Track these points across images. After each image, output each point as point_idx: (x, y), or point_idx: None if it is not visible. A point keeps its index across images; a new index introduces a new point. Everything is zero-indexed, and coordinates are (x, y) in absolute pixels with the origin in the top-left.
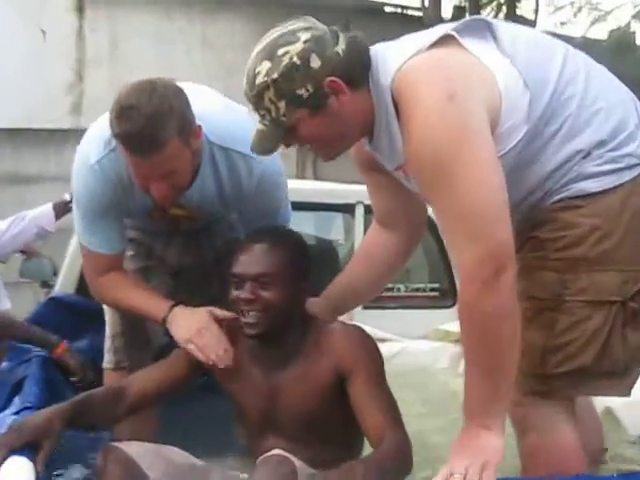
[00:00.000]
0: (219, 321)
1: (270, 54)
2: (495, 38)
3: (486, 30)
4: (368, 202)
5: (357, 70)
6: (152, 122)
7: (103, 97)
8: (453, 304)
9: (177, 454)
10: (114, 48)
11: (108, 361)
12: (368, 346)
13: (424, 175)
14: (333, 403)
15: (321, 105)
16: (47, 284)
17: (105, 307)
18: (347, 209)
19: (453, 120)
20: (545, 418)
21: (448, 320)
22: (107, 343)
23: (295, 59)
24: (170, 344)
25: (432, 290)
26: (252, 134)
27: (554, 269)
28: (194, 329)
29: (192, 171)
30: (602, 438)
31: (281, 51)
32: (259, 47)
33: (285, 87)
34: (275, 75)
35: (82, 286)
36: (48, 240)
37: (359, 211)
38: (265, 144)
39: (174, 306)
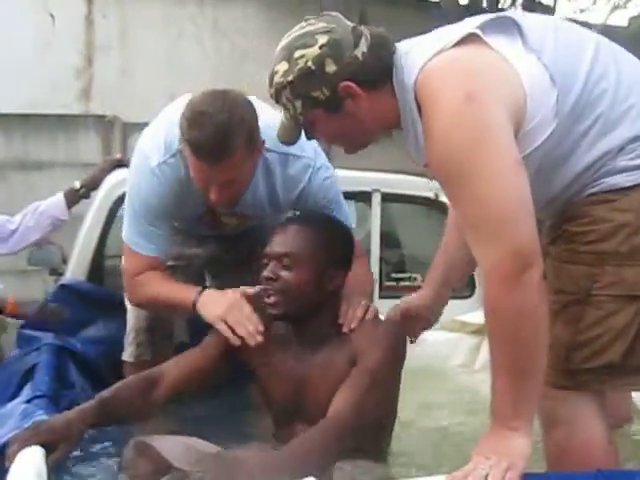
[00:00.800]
0: (250, 300)
1: (288, 55)
2: (521, 34)
3: (512, 26)
4: (385, 190)
5: (376, 72)
6: (223, 130)
7: (112, 83)
8: (471, 294)
9: (207, 446)
10: (123, 34)
11: (129, 354)
12: (384, 339)
13: (444, 176)
14: None
15: (337, 107)
16: (56, 272)
17: (128, 302)
18: (362, 197)
19: (472, 121)
20: (574, 411)
21: (466, 311)
22: (129, 336)
23: (310, 64)
24: (192, 341)
25: None
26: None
27: (583, 262)
28: (224, 306)
29: (250, 180)
30: (629, 407)
31: (297, 54)
32: (282, 43)
33: (300, 89)
34: (290, 77)
35: (94, 273)
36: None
37: (376, 199)
38: (286, 134)
39: (203, 290)
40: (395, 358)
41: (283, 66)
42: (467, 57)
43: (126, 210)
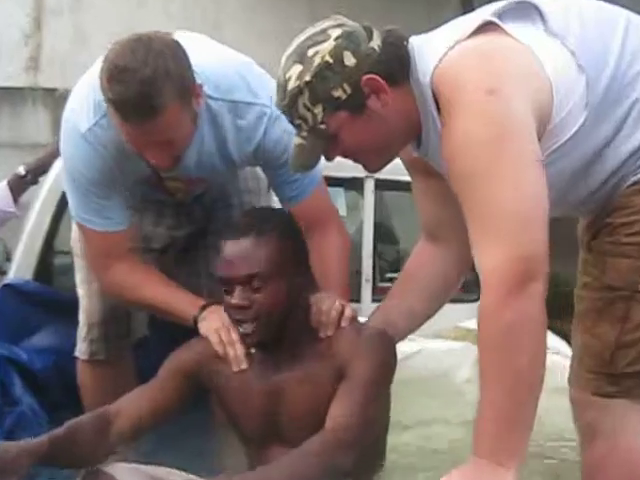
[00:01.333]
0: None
1: (300, 56)
2: (543, 18)
3: (532, 10)
4: (380, 176)
5: (396, 66)
6: (149, 87)
7: (64, 51)
8: (477, 298)
9: (175, 475)
10: None
11: (83, 351)
12: (371, 349)
13: (457, 171)
14: None
15: (361, 106)
16: None
17: (81, 290)
18: (353, 184)
19: (492, 116)
20: (617, 422)
21: (471, 316)
22: (82, 331)
23: (327, 58)
24: (152, 336)
25: None
26: (291, 151)
27: (627, 255)
28: (220, 323)
29: (193, 133)
30: None
31: (311, 52)
32: (288, 52)
33: (320, 89)
34: (308, 77)
35: (42, 272)
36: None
37: (369, 186)
38: (306, 159)
39: (207, 305)
40: (386, 369)
41: (296, 69)
42: (486, 47)
43: (66, 187)
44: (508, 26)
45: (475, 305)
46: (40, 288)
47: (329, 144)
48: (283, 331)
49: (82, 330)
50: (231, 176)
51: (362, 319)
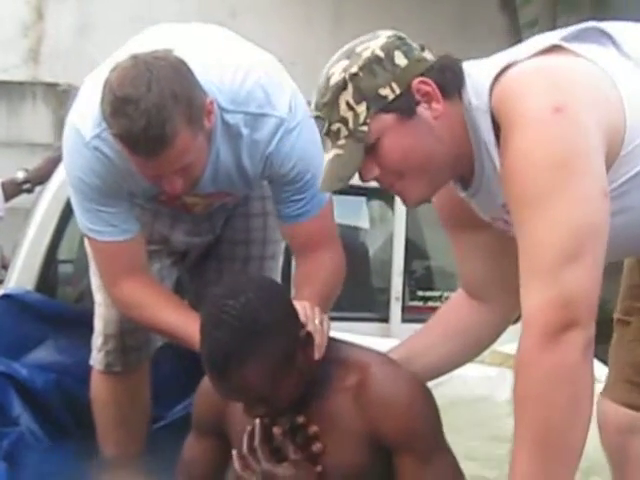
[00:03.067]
0: None
1: (348, 53)
2: (614, 42)
3: (601, 36)
4: None
5: (449, 76)
6: (155, 117)
7: (67, 42)
8: (517, 319)
9: None
10: None
11: (98, 362)
12: (415, 411)
13: (512, 194)
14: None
15: (410, 110)
16: None
17: (98, 297)
18: (381, 194)
19: (558, 137)
20: None
21: (509, 340)
22: (97, 340)
23: (378, 52)
24: (167, 345)
25: None
26: (322, 169)
27: None
28: None
29: (209, 154)
30: None
31: (360, 48)
32: (333, 58)
33: (366, 84)
34: (354, 69)
35: (44, 282)
36: None
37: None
38: (342, 169)
39: None
40: (435, 417)
41: (342, 64)
42: (553, 64)
43: (72, 197)
44: (576, 46)
45: (513, 328)
46: (42, 300)
47: (368, 152)
48: (294, 400)
49: (97, 339)
50: (249, 188)
51: (392, 340)
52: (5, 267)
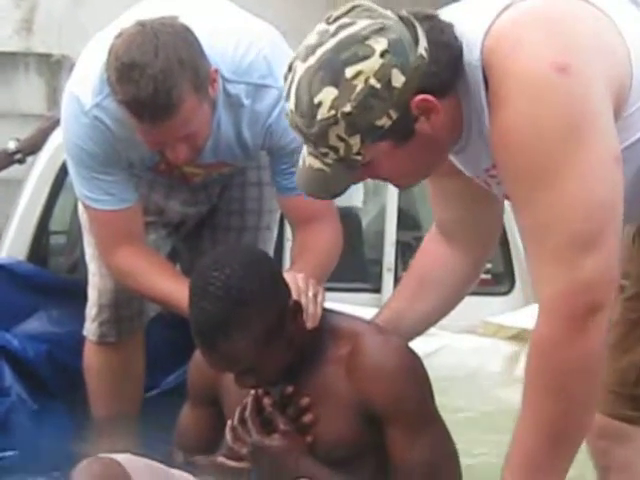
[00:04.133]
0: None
1: (334, 76)
2: None
3: None
4: None
5: (447, 74)
6: (162, 83)
7: (61, 12)
8: (509, 290)
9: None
10: None
11: (92, 332)
12: (405, 380)
13: (520, 170)
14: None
15: (408, 132)
16: None
17: (92, 266)
18: None
19: (567, 101)
20: (636, 454)
21: (502, 310)
22: (91, 311)
23: (372, 81)
24: (160, 314)
25: (484, 272)
26: (298, 173)
27: None
28: None
29: (211, 123)
30: None
31: (350, 72)
32: (311, 59)
33: (361, 120)
34: (347, 108)
35: (36, 252)
36: None
37: None
38: (326, 188)
39: None
40: (426, 386)
41: (330, 93)
42: (550, 9)
43: (69, 166)
44: None
45: (506, 299)
46: (34, 270)
47: (360, 172)
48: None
49: (91, 310)
50: (249, 159)
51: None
52: None
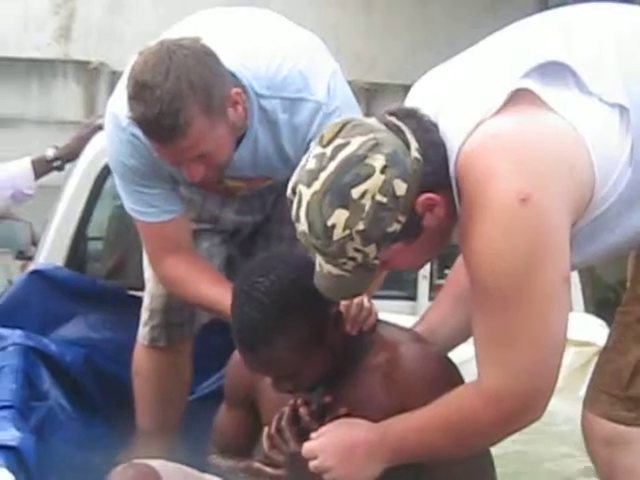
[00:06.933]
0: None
1: (342, 199)
2: (575, 76)
3: (565, 71)
4: None
5: (442, 171)
6: (168, 106)
7: (98, 20)
8: None
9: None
10: None
11: (143, 336)
12: (443, 389)
13: (476, 280)
14: None
15: (417, 230)
16: (23, 255)
17: (147, 273)
18: None
19: (523, 230)
20: (637, 461)
21: None
22: (144, 314)
23: (379, 197)
24: (213, 322)
25: None
26: (317, 276)
27: None
28: None
29: (233, 143)
30: None
31: (357, 192)
32: (316, 184)
33: (374, 232)
34: (361, 226)
35: (73, 258)
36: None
37: None
38: (348, 290)
39: None
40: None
41: (341, 216)
42: (519, 134)
43: (114, 176)
44: (542, 90)
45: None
46: (72, 276)
47: (377, 269)
48: (322, 378)
49: (144, 314)
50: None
51: (417, 318)
52: (35, 244)
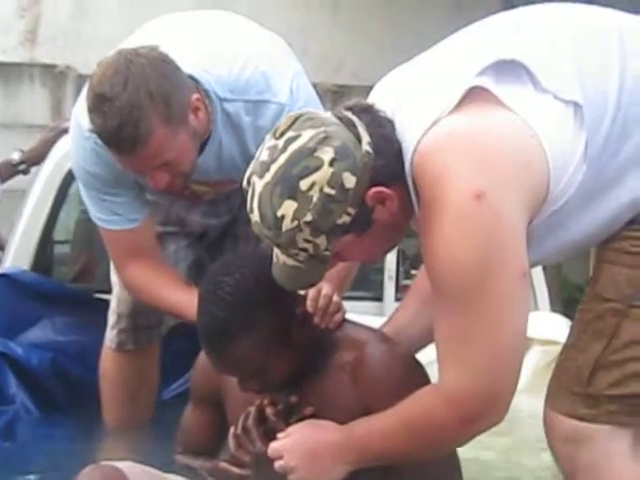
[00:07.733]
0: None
1: (291, 190)
2: (529, 73)
3: (519, 69)
4: None
5: (393, 164)
6: (128, 117)
7: (65, 23)
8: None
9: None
10: None
11: (110, 339)
12: (409, 388)
13: (433, 280)
14: None
15: (368, 223)
16: None
17: (114, 277)
18: None
19: (478, 228)
20: (599, 455)
21: None
22: (111, 318)
23: (327, 190)
24: (180, 325)
25: None
26: (274, 267)
27: (627, 264)
28: None
29: (196, 149)
30: None
31: (305, 184)
32: (267, 175)
33: (323, 223)
34: (309, 217)
35: (40, 261)
36: None
37: None
38: (302, 280)
39: None
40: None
41: (289, 207)
42: (474, 132)
43: (79, 187)
44: (496, 88)
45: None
46: (38, 279)
47: (331, 261)
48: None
49: (112, 317)
50: None
51: (386, 319)
52: (2, 248)
